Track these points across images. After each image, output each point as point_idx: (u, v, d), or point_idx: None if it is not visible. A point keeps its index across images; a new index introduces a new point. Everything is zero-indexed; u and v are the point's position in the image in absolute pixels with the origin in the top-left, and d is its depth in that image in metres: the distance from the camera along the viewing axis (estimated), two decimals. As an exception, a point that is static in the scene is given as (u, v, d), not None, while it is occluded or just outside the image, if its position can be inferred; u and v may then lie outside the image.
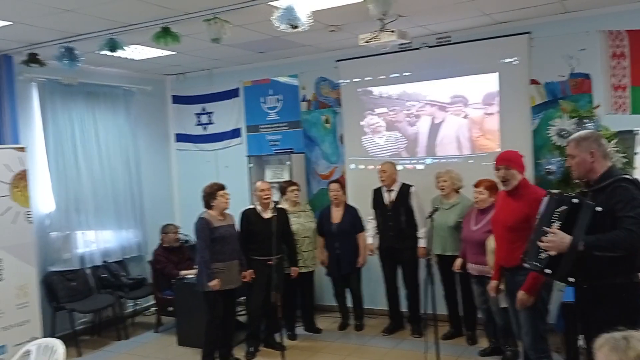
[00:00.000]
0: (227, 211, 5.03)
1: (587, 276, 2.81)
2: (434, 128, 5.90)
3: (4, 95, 5.41)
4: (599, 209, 2.72)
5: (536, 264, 2.88)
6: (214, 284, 4.77)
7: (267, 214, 5.19)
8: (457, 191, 5.21)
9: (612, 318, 2.71)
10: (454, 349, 5.06)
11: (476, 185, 4.74)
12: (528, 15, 5.21)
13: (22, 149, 5.16)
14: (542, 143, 5.33)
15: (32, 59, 5.31)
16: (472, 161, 5.67)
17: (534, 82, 5.38)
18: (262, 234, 5.10)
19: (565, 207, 2.78)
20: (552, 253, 2.77)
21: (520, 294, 3.54)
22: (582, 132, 3.06)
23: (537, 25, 5.33)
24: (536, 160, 5.33)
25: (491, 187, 4.62)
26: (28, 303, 5.11)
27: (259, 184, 5.36)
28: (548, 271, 2.83)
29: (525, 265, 3.01)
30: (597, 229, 2.72)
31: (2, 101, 5.41)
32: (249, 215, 5.24)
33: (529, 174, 4.82)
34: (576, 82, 5.22)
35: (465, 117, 5.72)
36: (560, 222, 2.77)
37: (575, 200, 2.77)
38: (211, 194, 4.94)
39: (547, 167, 5.21)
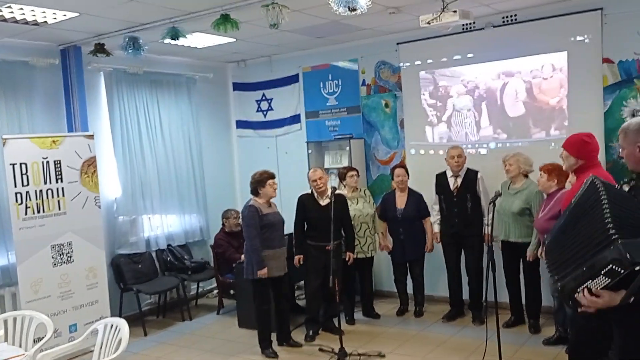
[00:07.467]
0: (274, 199, 5.02)
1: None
2: (497, 111, 5.69)
3: (74, 85, 5.65)
4: None
5: (571, 303, 2.25)
6: (264, 272, 4.79)
7: (324, 201, 5.18)
8: (526, 176, 5.01)
9: None
10: (517, 338, 4.91)
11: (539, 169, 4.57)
12: (600, -10, 4.93)
13: (90, 137, 5.35)
14: (614, 125, 5.01)
15: (99, 49, 5.50)
16: (537, 145, 5.44)
17: (606, 60, 5.09)
18: (319, 220, 5.09)
19: (621, 270, 2.00)
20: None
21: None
22: (632, 121, 2.59)
23: (610, 1, 5.02)
24: (608, 144, 5.04)
25: (551, 171, 4.43)
26: (97, 284, 5.34)
27: (310, 174, 5.25)
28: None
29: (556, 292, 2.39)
30: None
31: (72, 90, 5.65)
32: (305, 201, 5.23)
33: (601, 159, 4.56)
34: (653, 60, 4.91)
35: (531, 99, 5.48)
36: (609, 281, 2.03)
37: (638, 268, 1.97)
38: (261, 181, 4.91)
39: (619, 150, 4.92)
